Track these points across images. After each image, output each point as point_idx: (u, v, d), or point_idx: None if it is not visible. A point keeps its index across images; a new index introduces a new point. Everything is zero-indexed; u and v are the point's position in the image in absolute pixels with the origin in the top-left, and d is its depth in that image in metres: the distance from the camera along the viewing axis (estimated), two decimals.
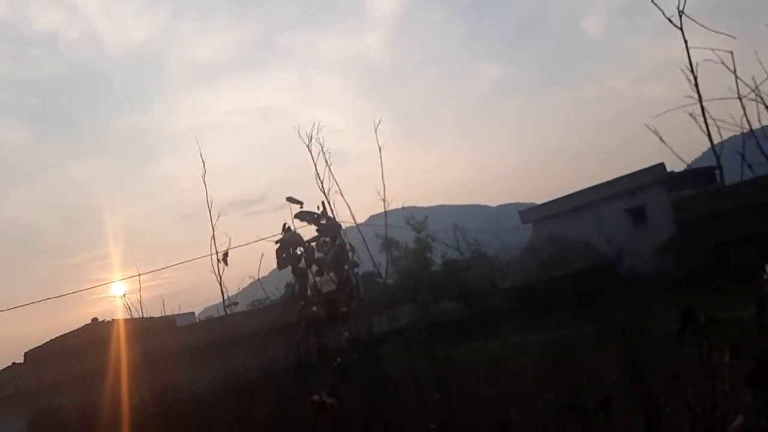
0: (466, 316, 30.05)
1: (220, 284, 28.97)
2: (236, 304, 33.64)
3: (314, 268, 6.28)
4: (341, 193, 36.14)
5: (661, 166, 25.35)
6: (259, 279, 32.61)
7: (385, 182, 36.10)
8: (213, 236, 31.16)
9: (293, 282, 6.42)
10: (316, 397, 5.14)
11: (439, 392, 5.74)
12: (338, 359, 5.73)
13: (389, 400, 6.11)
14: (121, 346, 21.43)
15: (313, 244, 6.34)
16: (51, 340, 24.14)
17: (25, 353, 23.94)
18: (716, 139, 27.66)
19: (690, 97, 27.75)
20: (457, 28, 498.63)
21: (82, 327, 23.97)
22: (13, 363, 28.93)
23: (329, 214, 6.49)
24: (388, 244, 43.58)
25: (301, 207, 6.41)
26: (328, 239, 6.35)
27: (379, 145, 35.98)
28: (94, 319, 24.28)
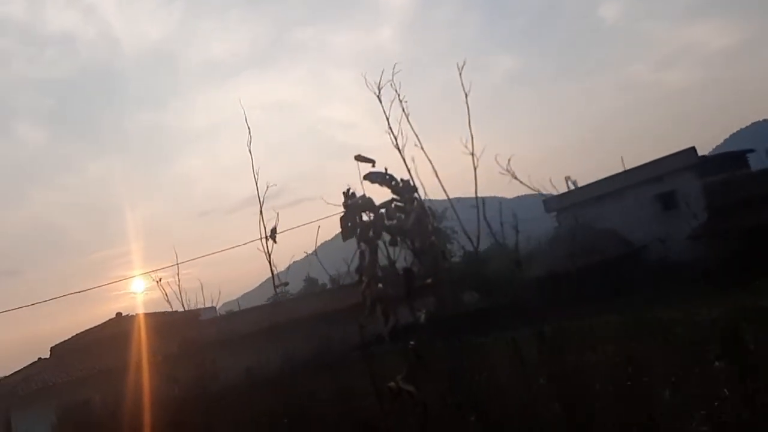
0: (487, 307, 29.64)
1: (270, 263, 27.03)
2: (287, 284, 32.16)
3: (385, 237, 5.61)
4: (422, 148, 29.22)
5: (692, 150, 24.70)
6: (316, 252, 31.08)
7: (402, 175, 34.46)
8: (261, 212, 28.31)
9: (361, 252, 5.59)
10: (392, 384, 4.73)
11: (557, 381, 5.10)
12: (412, 342, 5.21)
13: (476, 387, 5.57)
14: (145, 339, 21.46)
15: (382, 211, 5.58)
16: (76, 335, 24.29)
17: (51, 348, 24.12)
18: (740, 125, 26.94)
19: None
20: (470, 20, 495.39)
21: (106, 321, 24.06)
22: (39, 358, 29.21)
23: (400, 176, 5.70)
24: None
25: (373, 166, 5.59)
26: (402, 204, 5.58)
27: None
28: (118, 314, 24.36)
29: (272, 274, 27.08)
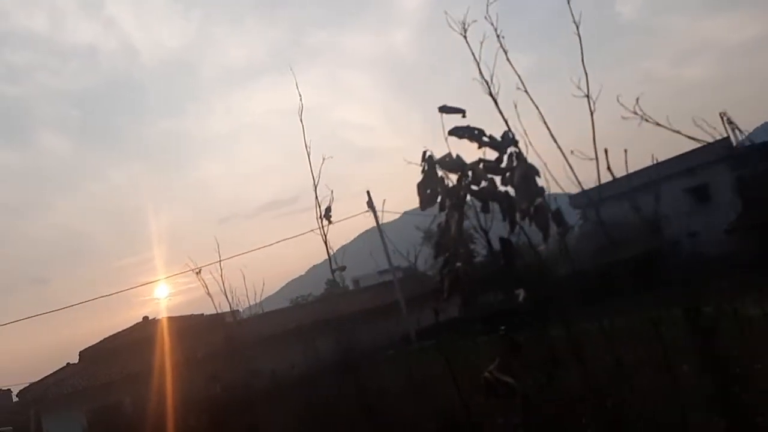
0: (515, 306, 29.34)
1: (326, 244, 25.23)
2: (344, 268, 31.08)
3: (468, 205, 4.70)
4: (525, 89, 28.44)
5: (726, 141, 24.07)
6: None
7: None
8: (315, 186, 27.19)
9: (446, 222, 4.73)
10: (487, 374, 4.38)
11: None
12: (503, 326, 4.82)
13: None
14: (174, 341, 21.55)
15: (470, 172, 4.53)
16: (104, 339, 24.52)
17: (80, 352, 24.39)
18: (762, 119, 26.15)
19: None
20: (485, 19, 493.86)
21: (134, 325, 24.26)
22: (68, 363, 29.62)
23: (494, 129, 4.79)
24: (429, 235, 43.33)
25: (463, 116, 4.70)
26: (494, 163, 4.65)
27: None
28: (145, 318, 24.54)
29: (329, 256, 25.26)
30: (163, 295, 29.19)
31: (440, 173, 4.85)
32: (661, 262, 24.77)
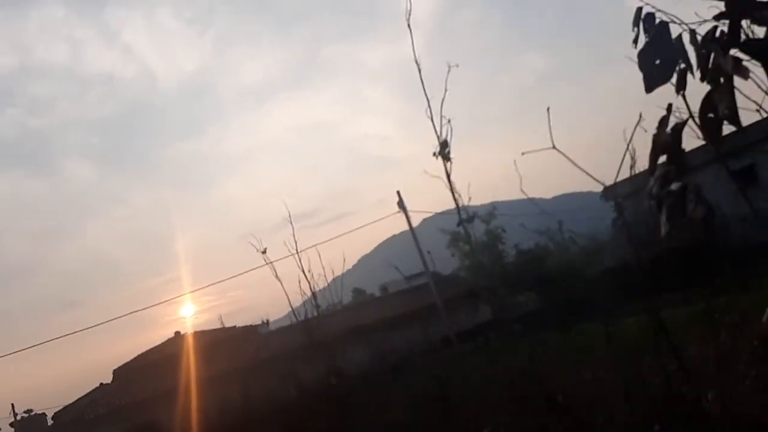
0: (553, 305, 28.44)
1: (451, 190, 20.82)
2: (472, 219, 27.53)
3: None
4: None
5: None
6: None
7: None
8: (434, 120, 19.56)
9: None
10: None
11: None
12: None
13: None
14: (207, 355, 21.30)
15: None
16: (137, 356, 24.41)
17: (114, 371, 24.31)
18: None
19: None
20: (495, 22, 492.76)
21: (165, 341, 24.12)
22: (101, 384, 29.66)
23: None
24: (455, 239, 42.63)
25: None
26: None
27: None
28: (177, 333, 24.38)
29: (456, 202, 21.12)
30: (190, 314, 28.99)
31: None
32: (709, 251, 23.69)
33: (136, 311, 22.50)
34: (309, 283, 27.11)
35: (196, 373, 20.50)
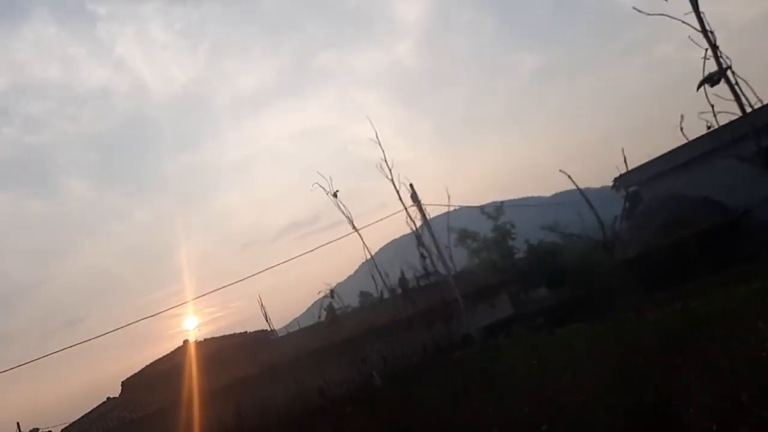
0: (570, 298, 27.83)
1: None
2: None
3: None
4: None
5: None
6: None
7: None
8: None
9: None
10: None
11: None
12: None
13: None
14: (217, 362, 20.67)
15: None
16: (145, 366, 23.79)
17: (122, 382, 23.67)
18: None
19: None
20: (487, 22, 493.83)
21: (175, 350, 23.49)
22: (108, 398, 28.95)
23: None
24: (463, 236, 42.05)
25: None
26: None
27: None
28: (186, 341, 23.75)
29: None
30: (193, 326, 28.31)
31: None
32: (730, 236, 23.14)
33: (142, 319, 21.96)
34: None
35: (207, 381, 19.88)
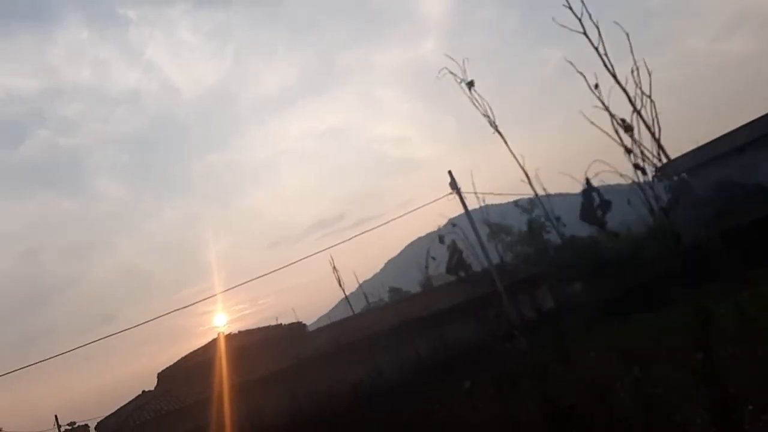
0: (615, 291, 26.80)
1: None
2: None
3: None
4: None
5: None
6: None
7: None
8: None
9: None
10: None
11: None
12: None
13: None
14: (252, 354, 20.38)
15: None
16: (181, 359, 23.71)
17: (158, 374, 23.63)
18: None
19: None
20: (512, 17, 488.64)
21: (209, 342, 23.34)
22: (143, 391, 29.04)
23: None
24: (496, 230, 41.29)
25: None
26: None
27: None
28: (220, 333, 23.59)
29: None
30: (223, 322, 28.22)
31: None
32: None
33: (174, 311, 22.03)
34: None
35: (243, 373, 19.61)
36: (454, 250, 27.52)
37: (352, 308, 39.78)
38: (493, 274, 21.01)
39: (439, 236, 35.43)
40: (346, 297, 37.92)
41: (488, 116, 26.32)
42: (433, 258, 34.27)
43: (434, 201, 22.44)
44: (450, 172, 21.93)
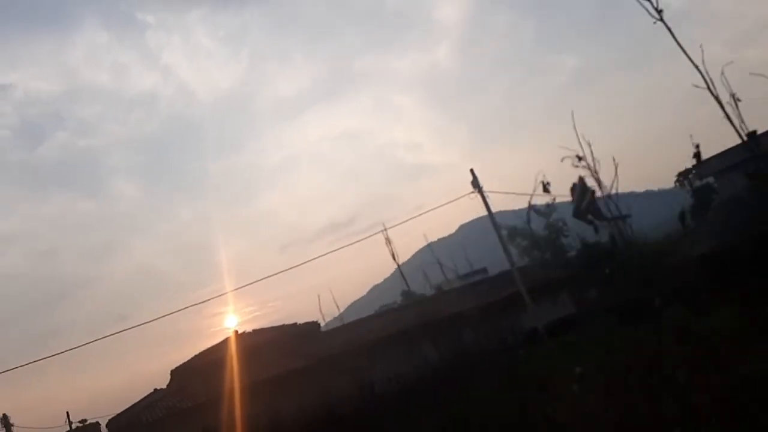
0: (637, 296, 26.13)
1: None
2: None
3: None
4: None
5: None
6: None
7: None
8: None
9: None
10: None
11: None
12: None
13: None
14: (266, 353, 20.08)
15: None
16: (194, 356, 23.47)
17: (172, 371, 23.40)
18: None
19: None
20: (527, 24, 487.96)
21: (222, 340, 23.09)
22: (155, 389, 28.89)
23: None
24: (513, 234, 40.70)
25: None
26: None
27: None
28: (235, 332, 23.32)
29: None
30: (233, 324, 27.90)
31: None
32: None
33: (186, 307, 21.73)
34: None
35: (257, 372, 19.30)
36: (584, 189, 23.14)
37: (407, 282, 39.60)
38: (515, 278, 20.49)
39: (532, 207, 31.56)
40: (399, 267, 37.47)
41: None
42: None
43: (456, 199, 22.00)
44: (472, 170, 21.50)
